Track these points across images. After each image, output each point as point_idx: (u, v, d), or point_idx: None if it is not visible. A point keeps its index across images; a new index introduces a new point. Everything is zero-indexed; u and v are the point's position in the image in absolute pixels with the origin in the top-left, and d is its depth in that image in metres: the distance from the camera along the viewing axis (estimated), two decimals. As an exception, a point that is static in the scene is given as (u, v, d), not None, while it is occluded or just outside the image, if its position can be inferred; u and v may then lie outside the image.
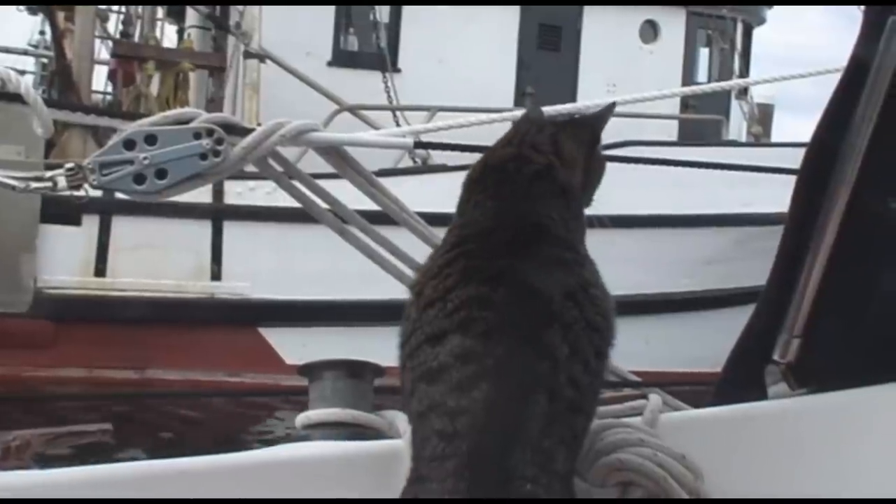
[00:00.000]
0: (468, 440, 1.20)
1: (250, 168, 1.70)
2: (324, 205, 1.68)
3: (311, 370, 1.60)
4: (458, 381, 1.23)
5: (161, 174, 1.55)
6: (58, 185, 1.58)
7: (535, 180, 1.41)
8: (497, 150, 1.48)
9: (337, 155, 1.65)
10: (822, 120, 1.66)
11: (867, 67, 1.58)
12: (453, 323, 1.27)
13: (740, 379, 1.76)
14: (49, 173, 1.58)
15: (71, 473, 1.35)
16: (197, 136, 1.55)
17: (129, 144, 1.53)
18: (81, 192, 1.57)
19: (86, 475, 1.34)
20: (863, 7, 1.63)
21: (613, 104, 1.60)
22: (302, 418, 1.58)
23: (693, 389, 2.08)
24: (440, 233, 1.47)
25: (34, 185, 1.61)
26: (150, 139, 1.54)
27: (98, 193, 1.71)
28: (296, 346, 9.36)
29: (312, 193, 1.67)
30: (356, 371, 1.59)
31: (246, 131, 1.59)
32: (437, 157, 10.30)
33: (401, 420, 1.50)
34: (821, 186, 1.63)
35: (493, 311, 1.27)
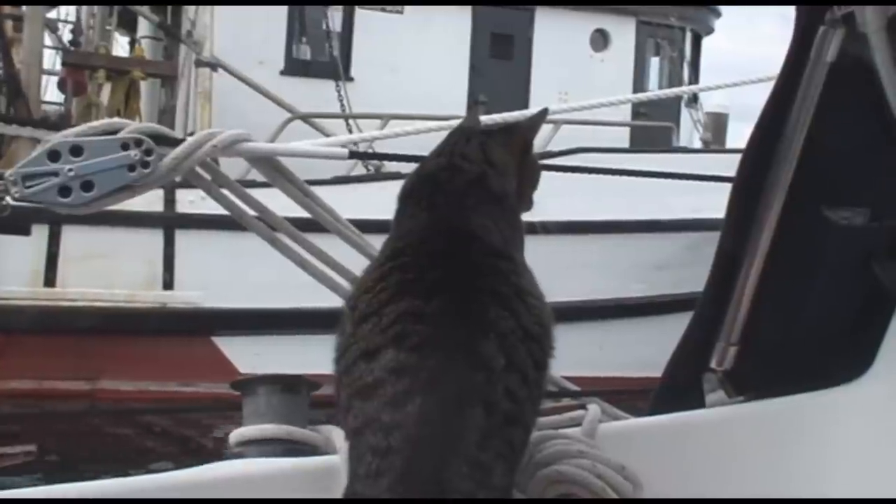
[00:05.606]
0: (402, 455, 1.18)
1: None
2: (253, 213, 1.65)
3: (245, 385, 1.57)
4: (392, 396, 1.21)
5: (87, 186, 1.50)
6: (-22, 197, 1.54)
7: (469, 189, 1.40)
8: (429, 161, 1.46)
9: (270, 165, 1.62)
10: (757, 127, 1.66)
11: (800, 75, 1.59)
12: (387, 338, 1.25)
13: (679, 386, 1.76)
14: (-31, 184, 1.54)
15: None
16: (125, 146, 1.51)
17: (53, 156, 1.49)
18: (3, 204, 1.53)
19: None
20: (795, 8, 1.63)
21: (545, 110, 1.60)
22: (235, 435, 1.55)
23: (647, 395, 2.08)
24: (381, 241, 1.45)
25: (-48, 196, 1.56)
26: (76, 150, 1.50)
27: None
28: (249, 355, 9.28)
29: (242, 202, 1.64)
30: (291, 386, 1.57)
31: (176, 142, 1.56)
32: (391, 165, 10.27)
33: (337, 435, 1.48)
34: (755, 194, 1.63)
35: (426, 323, 1.25)
